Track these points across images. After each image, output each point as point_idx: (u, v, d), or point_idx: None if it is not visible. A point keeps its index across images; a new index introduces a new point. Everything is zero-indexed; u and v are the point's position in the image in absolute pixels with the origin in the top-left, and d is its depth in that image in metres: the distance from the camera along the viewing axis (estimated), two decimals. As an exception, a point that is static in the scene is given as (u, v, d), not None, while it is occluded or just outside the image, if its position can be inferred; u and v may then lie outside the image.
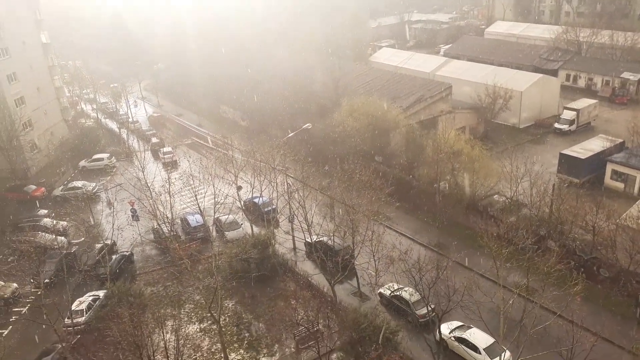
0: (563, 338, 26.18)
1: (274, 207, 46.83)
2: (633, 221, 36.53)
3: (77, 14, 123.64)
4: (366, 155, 52.73)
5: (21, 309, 39.34)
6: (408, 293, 34.46)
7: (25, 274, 36.57)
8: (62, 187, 58.96)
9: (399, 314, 34.85)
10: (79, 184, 58.16)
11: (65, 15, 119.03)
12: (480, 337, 30.66)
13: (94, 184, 59.09)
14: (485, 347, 29.92)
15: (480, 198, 46.39)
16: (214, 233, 46.77)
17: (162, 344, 28.85)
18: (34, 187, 58.39)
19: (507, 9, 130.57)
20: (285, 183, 45.31)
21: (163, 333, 29.38)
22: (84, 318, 35.62)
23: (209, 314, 33.63)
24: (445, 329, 31.83)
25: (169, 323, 34.15)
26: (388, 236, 40.62)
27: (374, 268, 36.02)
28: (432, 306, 30.75)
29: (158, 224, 44.22)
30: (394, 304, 35.40)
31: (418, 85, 65.05)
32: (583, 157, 50.88)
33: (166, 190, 45.02)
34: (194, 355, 33.39)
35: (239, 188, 47.36)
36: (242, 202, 47.09)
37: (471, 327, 31.60)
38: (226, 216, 46.72)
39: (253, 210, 47.61)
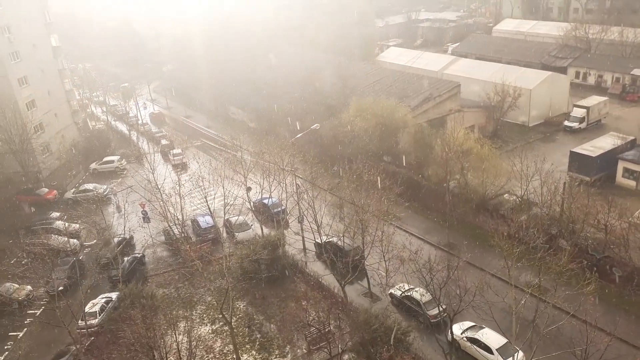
0: (576, 338, 25.97)
1: (283, 207, 46.89)
2: (645, 219, 36.32)
3: (86, 16, 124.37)
4: (375, 155, 52.73)
5: (35, 311, 39.85)
6: (419, 293, 34.41)
7: (39, 276, 36.90)
8: (73, 189, 59.65)
9: (410, 315, 34.78)
10: (90, 186, 58.71)
11: (74, 17, 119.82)
12: (492, 338, 30.53)
13: (105, 186, 59.58)
14: (498, 348, 29.84)
15: (491, 197, 46.08)
16: (224, 234, 46.99)
17: (174, 345, 29.02)
18: (46, 189, 59.03)
19: (515, 6, 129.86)
20: (295, 184, 45.38)
21: (175, 334, 29.54)
22: (97, 320, 35.99)
23: (220, 315, 33.76)
24: (457, 329, 31.67)
25: (181, 324, 34.28)
26: (398, 236, 40.62)
27: (384, 268, 35.85)
28: (444, 306, 30.75)
29: (169, 226, 44.49)
30: (405, 305, 35.36)
31: (426, 84, 64.79)
32: (594, 155, 50.46)
33: (176, 192, 45.32)
34: (206, 356, 33.64)
35: (249, 189, 47.47)
36: (252, 203, 47.26)
37: (483, 327, 31.47)
38: (236, 217, 46.94)
39: (263, 211, 47.77)
